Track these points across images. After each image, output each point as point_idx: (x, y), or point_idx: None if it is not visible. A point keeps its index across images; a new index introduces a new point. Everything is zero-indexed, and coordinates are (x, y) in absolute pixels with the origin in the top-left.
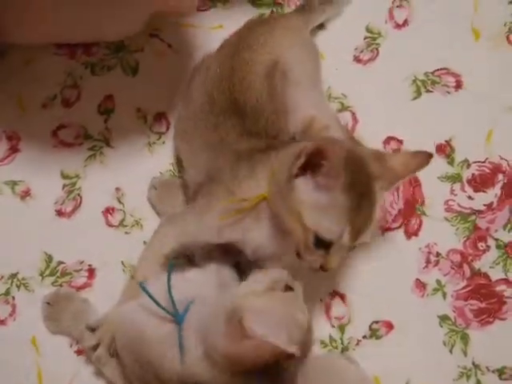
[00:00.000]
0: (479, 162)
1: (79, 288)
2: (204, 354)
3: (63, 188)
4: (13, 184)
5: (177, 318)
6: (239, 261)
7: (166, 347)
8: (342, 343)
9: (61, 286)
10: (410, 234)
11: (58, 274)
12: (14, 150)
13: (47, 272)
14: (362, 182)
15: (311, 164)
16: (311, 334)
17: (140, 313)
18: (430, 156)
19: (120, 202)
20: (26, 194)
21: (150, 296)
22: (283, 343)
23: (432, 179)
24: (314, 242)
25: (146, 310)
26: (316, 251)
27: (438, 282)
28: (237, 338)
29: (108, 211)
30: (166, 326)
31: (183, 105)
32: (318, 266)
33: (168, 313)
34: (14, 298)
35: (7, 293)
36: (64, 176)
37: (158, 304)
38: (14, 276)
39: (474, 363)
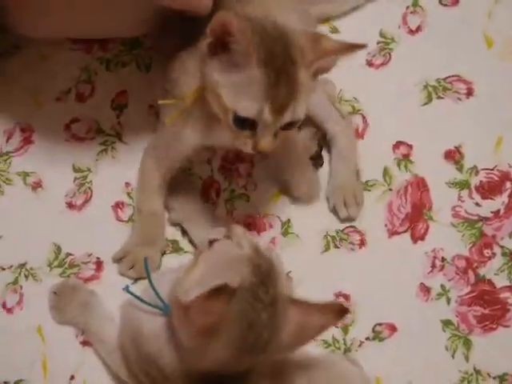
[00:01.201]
0: (488, 169)
1: (87, 280)
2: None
3: (74, 181)
4: (25, 175)
5: (164, 311)
6: None
7: (163, 340)
8: (345, 344)
9: (68, 277)
10: (417, 238)
11: (66, 266)
12: (27, 141)
13: (55, 263)
14: (279, 57)
15: (222, 42)
16: (270, 259)
17: (134, 309)
18: (359, 46)
19: (130, 196)
20: (37, 186)
21: (134, 295)
22: (223, 282)
23: (440, 185)
24: (235, 121)
25: (138, 307)
26: (242, 132)
27: (443, 286)
28: (184, 322)
29: (118, 206)
30: (158, 319)
31: None
32: (249, 149)
33: (154, 306)
34: (21, 287)
35: (15, 282)
36: (76, 169)
37: (142, 300)
38: (22, 266)
39: (475, 369)
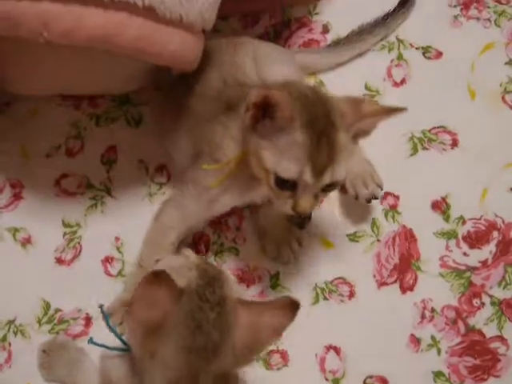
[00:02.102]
0: (475, 218)
1: (76, 336)
2: None
3: (64, 236)
4: (14, 231)
5: (128, 350)
6: None
7: (130, 380)
8: None
9: (57, 333)
10: (406, 289)
11: (55, 322)
12: (17, 197)
13: (45, 319)
14: (320, 120)
15: (265, 109)
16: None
17: (104, 360)
18: (398, 110)
19: (119, 251)
20: (26, 241)
21: (97, 344)
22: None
23: (428, 235)
24: (276, 182)
25: (107, 358)
26: (282, 193)
27: (433, 337)
28: (130, 324)
29: (107, 260)
30: (125, 363)
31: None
32: (289, 209)
33: (119, 349)
34: (10, 344)
35: (4, 339)
36: (65, 224)
37: (106, 347)
38: (11, 322)
39: None
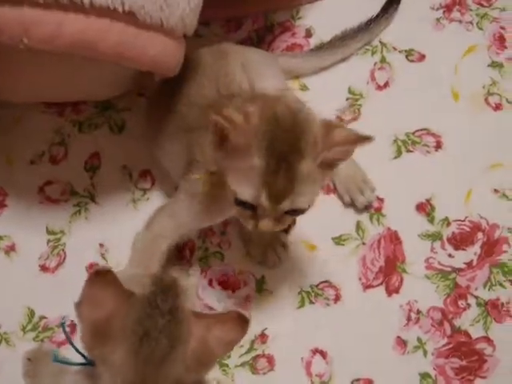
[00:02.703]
0: (459, 220)
1: (60, 344)
2: None
3: (48, 243)
4: None
5: (90, 364)
6: None
7: None
8: None
9: (42, 341)
10: (391, 291)
11: (40, 329)
12: (0, 205)
13: (29, 327)
14: (283, 146)
15: (223, 136)
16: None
17: (64, 377)
18: (367, 139)
19: (104, 257)
20: (10, 249)
21: (61, 361)
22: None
23: (413, 237)
24: (236, 203)
25: (66, 373)
26: (244, 212)
27: (419, 339)
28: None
29: (92, 267)
30: (86, 379)
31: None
32: (251, 227)
33: (81, 364)
34: None
35: None
36: (49, 232)
37: (68, 362)
38: None
39: None
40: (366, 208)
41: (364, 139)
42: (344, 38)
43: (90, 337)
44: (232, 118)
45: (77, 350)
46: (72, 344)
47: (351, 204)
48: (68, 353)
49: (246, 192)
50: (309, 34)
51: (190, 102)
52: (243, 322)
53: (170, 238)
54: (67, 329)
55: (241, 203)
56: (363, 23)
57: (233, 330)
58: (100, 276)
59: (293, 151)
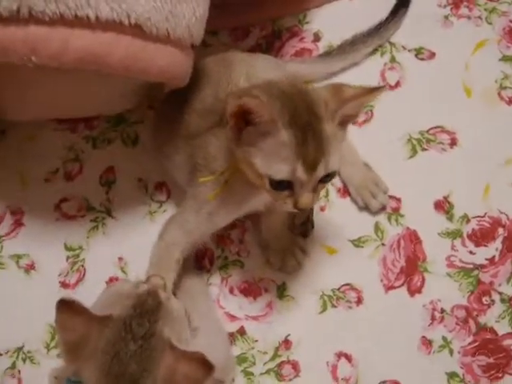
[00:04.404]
0: (479, 216)
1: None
2: None
3: (67, 260)
4: (17, 258)
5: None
6: None
7: None
8: None
9: None
10: (413, 291)
11: None
12: (18, 224)
13: (52, 344)
14: (302, 115)
15: (244, 120)
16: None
17: None
18: (378, 89)
19: (123, 271)
20: (30, 268)
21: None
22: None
23: (432, 236)
24: (272, 185)
25: None
26: (280, 194)
27: (444, 338)
28: None
29: (112, 281)
30: None
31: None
32: (291, 207)
33: None
34: (19, 371)
35: (13, 366)
36: (67, 248)
37: None
38: (19, 349)
39: None
40: (380, 210)
41: (376, 89)
42: (354, 43)
43: (65, 354)
44: (259, 96)
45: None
46: None
47: (365, 208)
48: None
49: (281, 170)
50: (317, 38)
51: (193, 111)
52: (207, 367)
53: (182, 246)
54: None
55: (277, 185)
56: (373, 27)
57: (198, 370)
58: (66, 305)
59: (312, 118)
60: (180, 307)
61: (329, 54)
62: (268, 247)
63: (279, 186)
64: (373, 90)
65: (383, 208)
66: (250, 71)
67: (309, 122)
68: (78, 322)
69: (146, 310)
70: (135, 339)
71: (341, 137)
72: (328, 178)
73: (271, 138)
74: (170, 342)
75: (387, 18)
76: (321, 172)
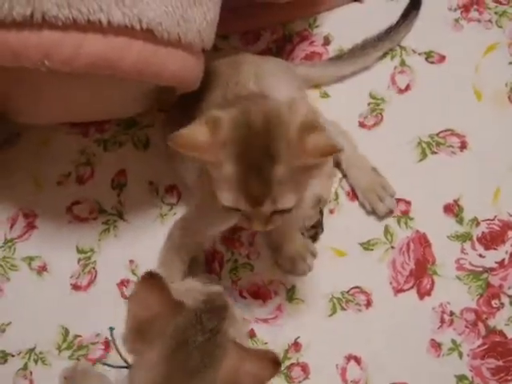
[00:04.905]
0: (488, 219)
1: (96, 360)
2: None
3: (78, 262)
4: (29, 260)
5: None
6: None
7: None
8: None
9: (78, 359)
10: (423, 294)
11: (75, 348)
12: (30, 226)
13: (64, 345)
14: (254, 152)
15: None
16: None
17: None
18: (337, 150)
19: (134, 273)
20: (42, 269)
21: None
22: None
23: (442, 239)
24: (224, 208)
25: None
26: (236, 215)
27: (454, 341)
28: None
29: (123, 283)
30: None
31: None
32: (247, 228)
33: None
34: (31, 372)
35: (25, 368)
36: (79, 250)
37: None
38: (31, 351)
39: None
40: (387, 215)
41: (334, 150)
42: (365, 47)
43: (131, 332)
44: (193, 141)
45: (121, 356)
46: (118, 350)
47: (372, 212)
48: (105, 370)
49: (226, 198)
50: (327, 41)
51: (202, 114)
52: (275, 364)
53: (187, 247)
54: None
55: (228, 208)
56: (383, 31)
57: (264, 368)
58: (150, 279)
59: (264, 156)
60: (240, 314)
61: (340, 57)
62: (278, 250)
63: (232, 209)
64: (333, 150)
65: (390, 212)
66: (258, 72)
67: (258, 161)
68: (155, 301)
69: (215, 307)
70: (204, 331)
71: (303, 178)
72: (283, 212)
73: (217, 168)
74: (235, 341)
75: (398, 22)
76: (267, 208)
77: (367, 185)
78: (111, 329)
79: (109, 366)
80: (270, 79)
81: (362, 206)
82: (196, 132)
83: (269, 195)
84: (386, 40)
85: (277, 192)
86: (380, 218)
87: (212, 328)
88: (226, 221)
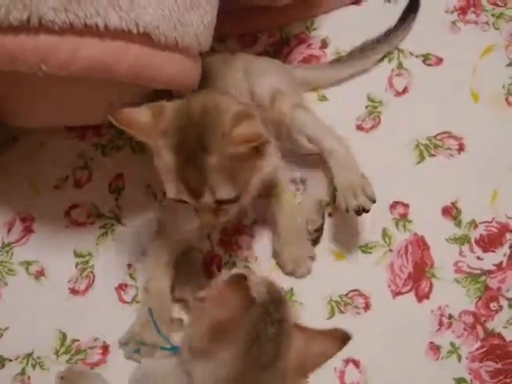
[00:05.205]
0: (486, 222)
1: (94, 365)
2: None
3: (76, 266)
4: (27, 264)
5: (174, 350)
6: None
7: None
8: None
9: (76, 363)
10: (421, 297)
11: (73, 352)
12: (27, 230)
13: (62, 350)
14: (190, 144)
15: None
16: None
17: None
18: (260, 137)
19: (132, 277)
20: (40, 274)
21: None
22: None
23: (440, 241)
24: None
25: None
26: (184, 206)
27: (452, 344)
28: (199, 316)
29: (121, 287)
30: (171, 364)
31: None
32: (198, 222)
33: (165, 348)
34: (29, 377)
35: (23, 372)
36: (77, 254)
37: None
38: (29, 355)
39: None
40: (359, 213)
41: (258, 138)
42: (364, 50)
43: (206, 332)
44: (133, 120)
45: (163, 337)
46: (159, 331)
47: (346, 210)
48: (103, 372)
49: (170, 190)
50: (324, 44)
51: None
52: (345, 340)
53: (167, 247)
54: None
55: (176, 201)
56: (382, 34)
57: (333, 345)
58: (237, 280)
59: (199, 148)
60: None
61: (338, 60)
62: (279, 252)
63: (179, 201)
64: (259, 139)
65: (363, 210)
66: (248, 68)
67: (194, 152)
68: (237, 300)
69: (276, 297)
70: (273, 322)
71: (245, 166)
72: (230, 201)
73: (159, 157)
74: (296, 324)
75: (396, 25)
76: (209, 199)
77: (348, 183)
78: (150, 310)
79: (166, 349)
80: (259, 76)
81: (339, 204)
82: (138, 112)
83: (205, 185)
84: (385, 43)
85: (213, 182)
86: (352, 215)
87: (280, 318)
88: (192, 216)
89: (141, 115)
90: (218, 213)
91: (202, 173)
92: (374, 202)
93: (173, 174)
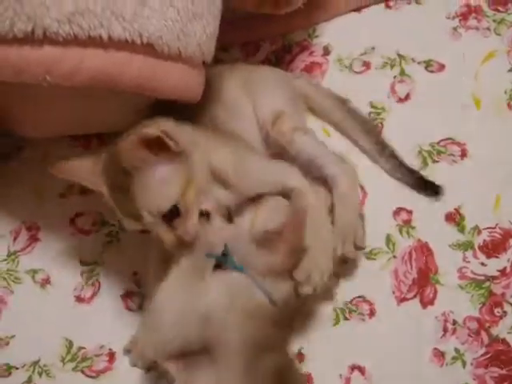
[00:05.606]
0: (490, 228)
1: (100, 372)
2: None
3: (82, 274)
4: (33, 273)
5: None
6: None
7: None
8: None
9: (82, 371)
10: (426, 303)
11: (79, 359)
12: (33, 239)
13: (68, 358)
14: (112, 173)
15: None
16: None
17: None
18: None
19: (138, 285)
20: (45, 282)
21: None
22: None
23: (444, 247)
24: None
25: None
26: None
27: (457, 350)
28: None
29: (127, 295)
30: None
31: None
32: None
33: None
34: None
35: (29, 380)
36: (82, 263)
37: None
38: (35, 363)
39: None
40: (344, 261)
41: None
42: (371, 134)
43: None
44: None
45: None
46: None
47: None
48: (110, 380)
49: (123, 223)
50: (327, 51)
51: (199, 123)
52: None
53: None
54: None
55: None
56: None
57: None
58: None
59: (119, 175)
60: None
61: (347, 108)
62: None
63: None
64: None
65: (343, 259)
66: (249, 77)
67: (117, 179)
68: None
69: None
70: None
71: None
72: (175, 211)
73: (104, 197)
74: None
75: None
76: (149, 218)
77: (343, 226)
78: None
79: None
80: (258, 88)
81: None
82: (78, 162)
83: (139, 206)
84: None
85: (142, 200)
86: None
87: None
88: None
89: (81, 164)
90: (174, 228)
91: (129, 195)
92: (363, 249)
93: (111, 203)
